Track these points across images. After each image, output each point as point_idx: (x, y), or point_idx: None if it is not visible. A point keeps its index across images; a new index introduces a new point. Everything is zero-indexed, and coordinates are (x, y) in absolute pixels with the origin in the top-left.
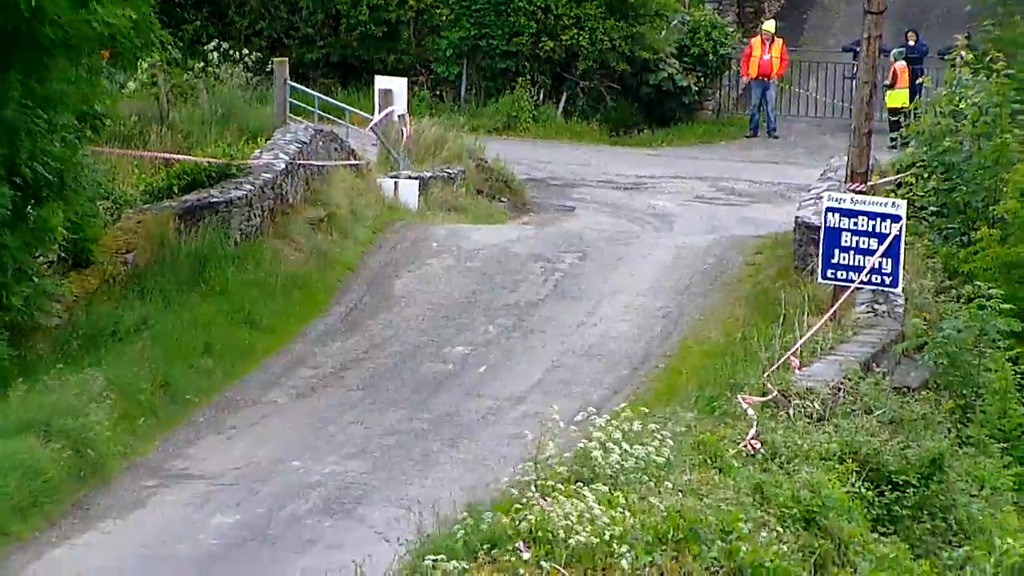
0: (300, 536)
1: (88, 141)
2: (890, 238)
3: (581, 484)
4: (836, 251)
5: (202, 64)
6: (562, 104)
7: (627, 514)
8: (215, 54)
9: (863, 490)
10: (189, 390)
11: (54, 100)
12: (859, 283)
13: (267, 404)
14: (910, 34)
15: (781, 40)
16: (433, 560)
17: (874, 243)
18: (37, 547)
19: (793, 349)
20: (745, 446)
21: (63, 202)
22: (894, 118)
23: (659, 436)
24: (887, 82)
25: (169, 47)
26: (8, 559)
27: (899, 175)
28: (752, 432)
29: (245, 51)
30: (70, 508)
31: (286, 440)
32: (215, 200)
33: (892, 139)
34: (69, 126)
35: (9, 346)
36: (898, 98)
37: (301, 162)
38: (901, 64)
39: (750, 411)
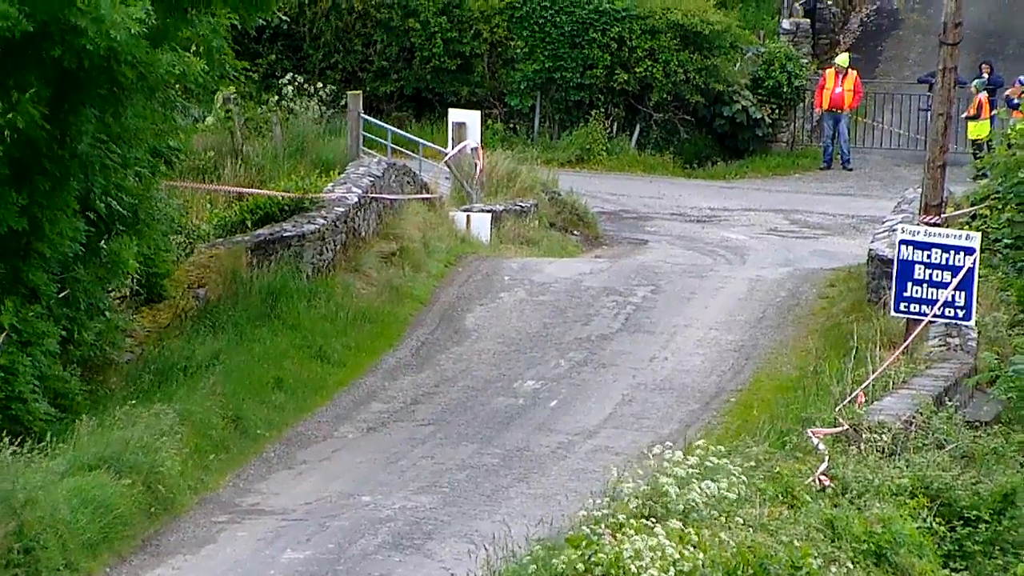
0: (370, 571)
1: (162, 175)
2: (964, 271)
3: (653, 520)
4: (909, 284)
5: (276, 98)
6: (635, 136)
7: (697, 550)
8: (290, 87)
9: (934, 525)
10: (260, 425)
11: (128, 135)
12: (932, 316)
13: (338, 439)
14: (984, 66)
15: (855, 72)
16: None
17: (947, 276)
18: None
19: (865, 384)
20: (814, 481)
21: (136, 236)
22: (976, 150)
23: (731, 471)
24: (970, 113)
25: (244, 80)
26: None
27: (973, 207)
28: (822, 467)
29: (319, 84)
30: (140, 544)
31: (356, 475)
32: (287, 234)
33: (978, 170)
34: (143, 160)
35: (81, 381)
36: (981, 129)
37: (374, 196)
38: (983, 95)
39: (820, 445)
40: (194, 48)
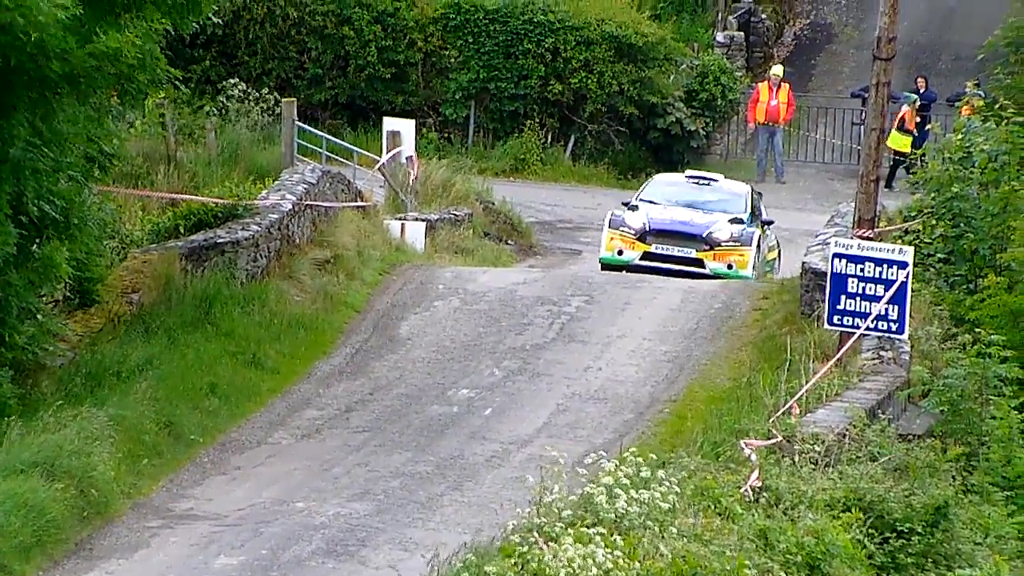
0: None
1: (95, 180)
2: (896, 284)
3: (585, 529)
4: (843, 297)
5: (223, 100)
6: (570, 147)
7: (631, 560)
8: (236, 90)
9: (867, 538)
10: (194, 430)
11: (61, 139)
12: (865, 329)
13: (272, 445)
14: (920, 80)
15: (788, 85)
16: None
17: (880, 289)
18: None
19: (798, 396)
20: (746, 490)
21: (69, 241)
22: (899, 159)
23: (664, 481)
24: (895, 126)
25: (179, 85)
26: None
27: (907, 222)
28: (754, 476)
29: (265, 90)
30: (74, 548)
31: (291, 481)
32: (221, 240)
33: (887, 183)
34: (76, 165)
35: (13, 384)
36: (903, 142)
37: (308, 203)
38: (907, 108)
39: (753, 456)
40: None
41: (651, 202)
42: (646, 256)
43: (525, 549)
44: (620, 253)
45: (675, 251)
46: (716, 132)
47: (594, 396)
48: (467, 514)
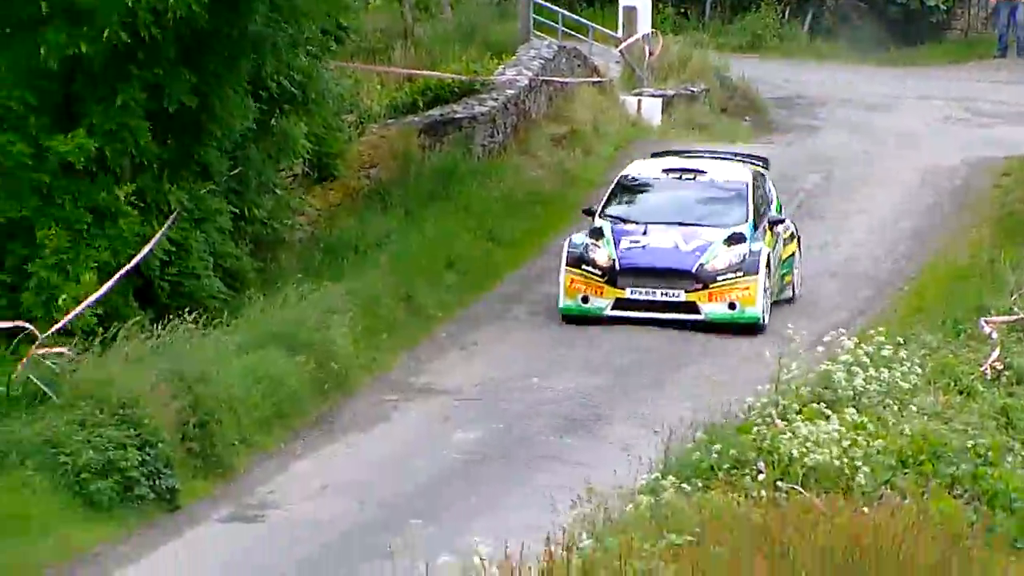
0: (539, 453)
1: (332, 55)
2: None
3: (823, 406)
4: None
5: None
6: (807, 22)
7: (868, 437)
8: None
9: None
10: (432, 305)
11: (299, 14)
12: None
13: (509, 320)
14: None
15: None
16: (672, 479)
17: None
18: (282, 459)
19: None
20: (986, 369)
21: (307, 116)
22: None
23: (904, 359)
24: None
25: None
26: (253, 470)
27: None
28: (995, 354)
29: None
30: (314, 421)
31: (527, 357)
32: (458, 116)
33: None
34: (313, 40)
35: (252, 258)
36: None
37: (544, 78)
38: None
39: (994, 334)
40: None
41: (619, 219)
42: (620, 304)
43: (762, 426)
44: (585, 301)
45: (658, 295)
46: (956, 7)
47: (832, 272)
48: (704, 390)
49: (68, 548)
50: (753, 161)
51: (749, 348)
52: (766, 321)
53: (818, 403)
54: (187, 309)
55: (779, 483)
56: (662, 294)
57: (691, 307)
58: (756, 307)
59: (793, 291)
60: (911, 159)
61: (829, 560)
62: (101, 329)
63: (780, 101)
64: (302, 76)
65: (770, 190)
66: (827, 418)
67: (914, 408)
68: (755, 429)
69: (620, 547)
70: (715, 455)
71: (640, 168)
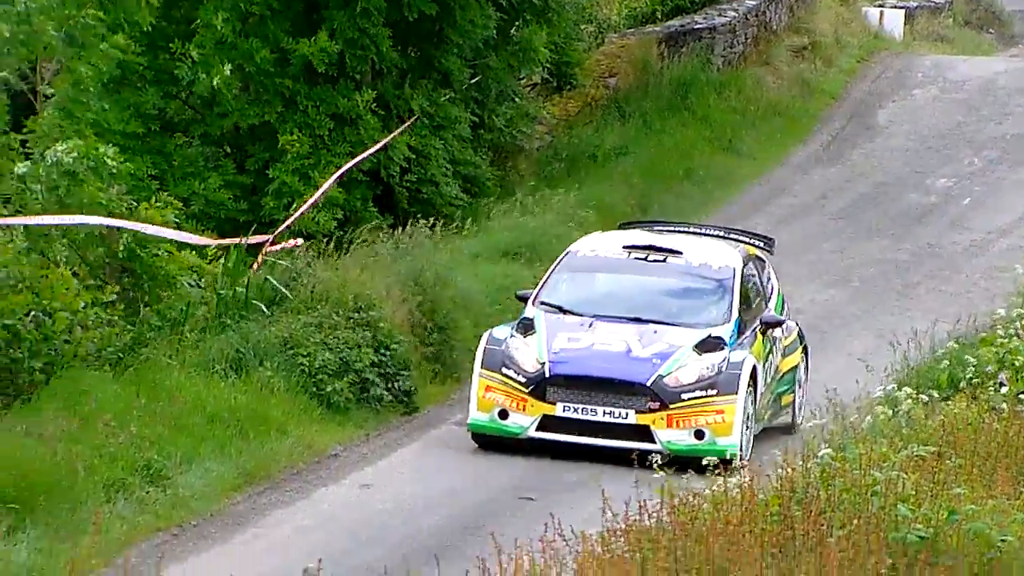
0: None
1: None
2: None
3: None
4: None
5: None
6: None
7: None
8: None
9: None
10: (670, 214)
11: None
12: None
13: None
14: None
15: None
16: (914, 390)
17: None
18: None
19: None
20: None
21: (547, 25)
22: None
23: None
24: None
25: None
26: None
27: None
28: None
29: None
30: None
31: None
32: (698, 26)
33: None
34: None
35: (491, 166)
36: None
37: None
38: None
39: None
40: None
41: (558, 308)
42: (548, 423)
43: (1005, 339)
44: (503, 416)
45: (599, 413)
46: None
47: None
48: (944, 302)
49: (307, 449)
50: (751, 241)
51: (988, 260)
52: (746, 457)
53: None
54: (426, 215)
55: (1022, 396)
56: (604, 412)
57: (643, 433)
58: (732, 437)
59: (793, 416)
60: None
61: None
62: (340, 232)
63: None
64: None
65: (769, 280)
66: None
67: None
68: (998, 340)
69: (859, 457)
70: (958, 366)
71: (596, 243)
